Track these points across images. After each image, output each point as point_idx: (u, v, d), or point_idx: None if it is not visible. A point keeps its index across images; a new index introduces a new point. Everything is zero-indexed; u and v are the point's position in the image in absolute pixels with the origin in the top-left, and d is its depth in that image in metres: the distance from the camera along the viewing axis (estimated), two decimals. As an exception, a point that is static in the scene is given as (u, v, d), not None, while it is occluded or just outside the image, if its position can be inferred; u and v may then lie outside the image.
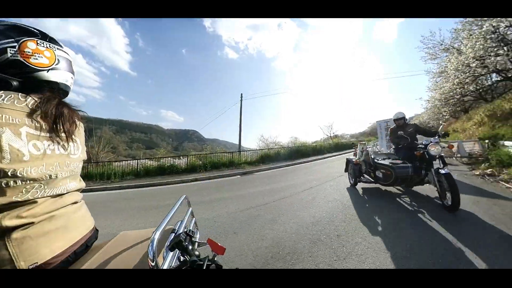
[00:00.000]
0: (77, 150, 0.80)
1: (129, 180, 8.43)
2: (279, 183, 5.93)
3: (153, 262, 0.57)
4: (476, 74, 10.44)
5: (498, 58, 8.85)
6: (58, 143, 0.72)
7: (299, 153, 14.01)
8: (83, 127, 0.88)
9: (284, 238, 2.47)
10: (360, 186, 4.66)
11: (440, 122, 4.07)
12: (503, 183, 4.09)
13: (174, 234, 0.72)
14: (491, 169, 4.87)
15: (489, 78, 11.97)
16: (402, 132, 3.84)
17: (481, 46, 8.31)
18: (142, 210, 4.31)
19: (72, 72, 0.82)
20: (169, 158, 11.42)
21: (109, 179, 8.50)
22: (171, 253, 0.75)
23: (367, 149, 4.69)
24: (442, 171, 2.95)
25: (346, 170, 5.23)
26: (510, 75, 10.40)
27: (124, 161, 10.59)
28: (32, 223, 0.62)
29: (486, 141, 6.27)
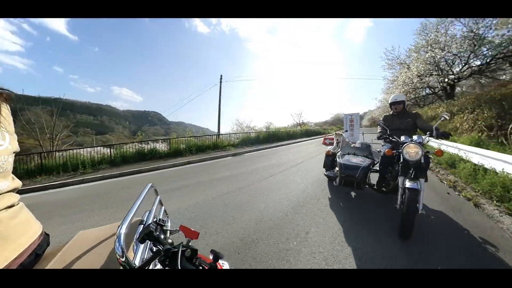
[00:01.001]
0: (2, 140, 0.62)
1: (105, 169, 7.27)
2: (272, 161, 7.00)
3: (122, 257, 0.51)
4: (416, 87, 13.79)
5: (431, 78, 12.10)
6: None
7: (276, 137, 15.58)
8: (8, 111, 0.68)
9: (305, 189, 3.91)
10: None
11: (441, 112, 2.94)
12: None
13: (142, 225, 0.69)
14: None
15: (424, 91, 15.78)
16: (382, 122, 3.02)
17: (422, 68, 11.18)
18: (162, 193, 4.42)
19: None
20: (148, 142, 10.00)
21: (75, 171, 7.06)
22: (141, 246, 0.69)
23: (346, 140, 4.53)
24: (408, 184, 2.12)
25: None
26: (436, 91, 14.11)
27: (90, 148, 8.67)
28: None
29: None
